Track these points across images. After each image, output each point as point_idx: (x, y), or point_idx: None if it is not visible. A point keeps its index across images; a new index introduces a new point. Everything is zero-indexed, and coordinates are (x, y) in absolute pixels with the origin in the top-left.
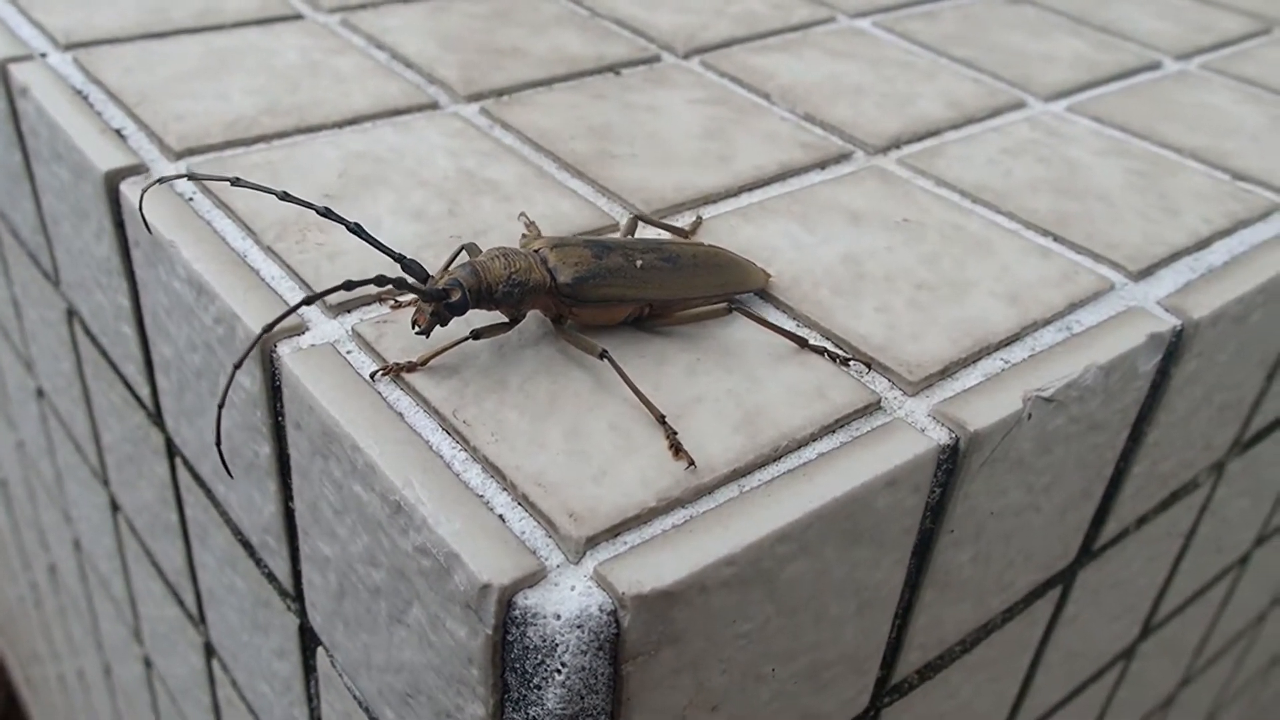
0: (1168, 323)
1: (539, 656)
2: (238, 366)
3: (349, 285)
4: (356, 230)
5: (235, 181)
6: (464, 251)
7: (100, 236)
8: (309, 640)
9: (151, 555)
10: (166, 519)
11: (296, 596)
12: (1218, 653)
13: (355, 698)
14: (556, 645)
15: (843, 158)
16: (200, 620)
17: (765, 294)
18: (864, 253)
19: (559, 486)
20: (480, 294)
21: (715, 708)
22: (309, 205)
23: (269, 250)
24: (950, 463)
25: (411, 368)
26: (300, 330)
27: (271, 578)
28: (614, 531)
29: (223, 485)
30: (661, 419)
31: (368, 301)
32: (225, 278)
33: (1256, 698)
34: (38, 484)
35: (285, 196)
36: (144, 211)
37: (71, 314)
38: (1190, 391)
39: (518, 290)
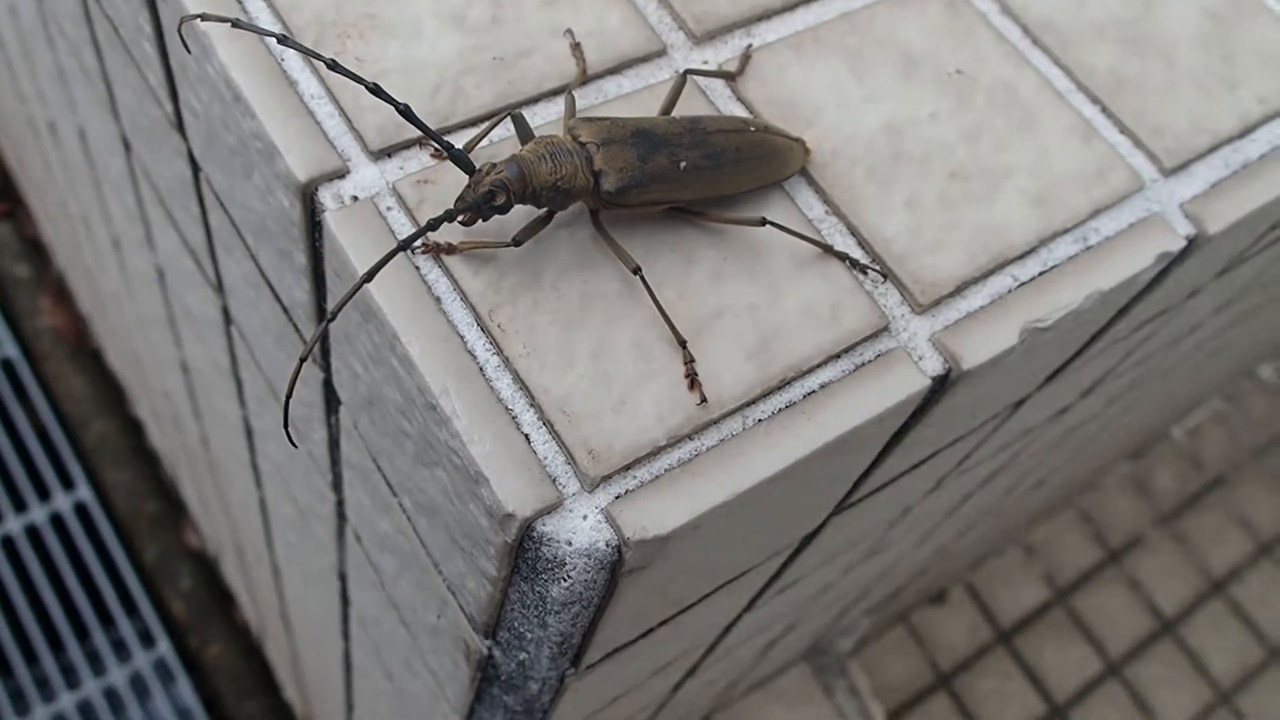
0: (1180, 239)
1: (549, 565)
2: (303, 360)
3: (431, 225)
4: (405, 112)
5: (235, 23)
6: (510, 121)
7: None
8: (332, 398)
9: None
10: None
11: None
12: None
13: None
14: (565, 562)
15: None
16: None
17: (803, 170)
18: (906, 121)
19: (581, 417)
20: (524, 196)
21: (669, 593)
22: (315, 55)
23: (307, 61)
24: (937, 391)
25: (451, 249)
26: (342, 174)
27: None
28: (626, 468)
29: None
30: (682, 343)
31: (408, 144)
32: (262, 95)
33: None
34: None
35: (284, 40)
36: None
37: None
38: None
39: (561, 195)
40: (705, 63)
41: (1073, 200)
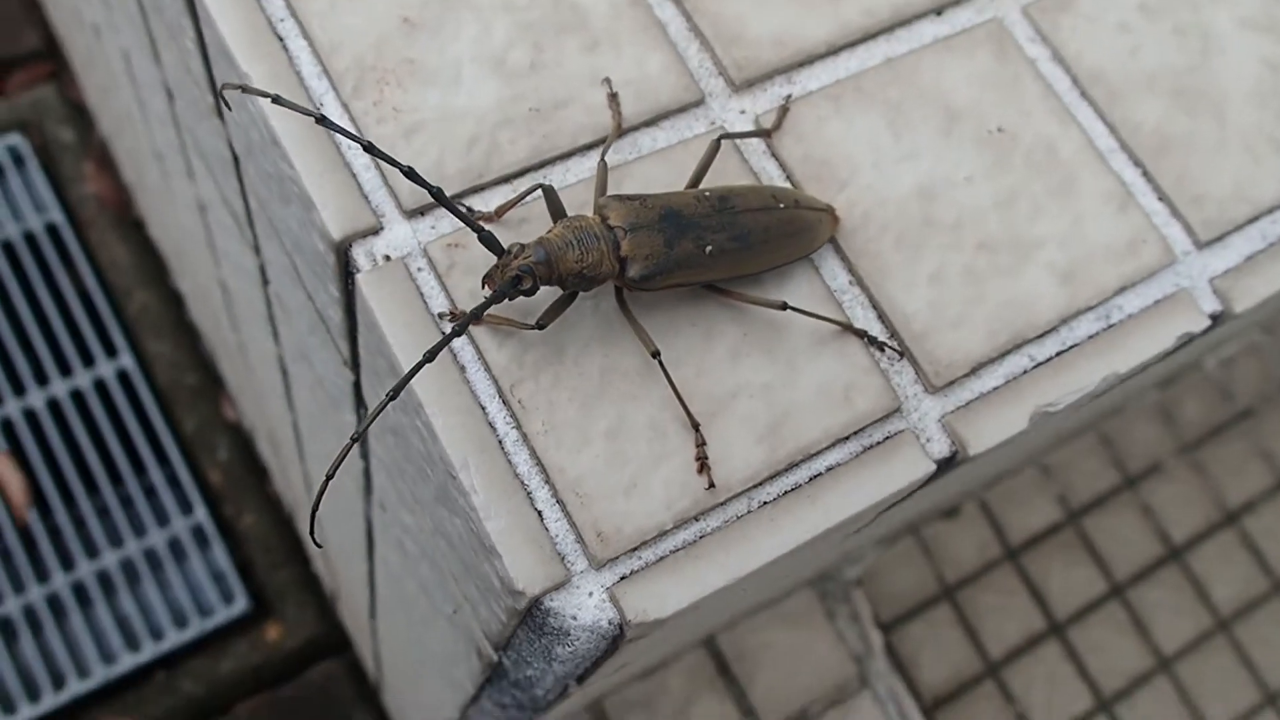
0: (1204, 319)
1: (555, 631)
2: (356, 439)
3: (475, 317)
4: (438, 195)
5: (275, 99)
6: (540, 195)
7: None
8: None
9: None
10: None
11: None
12: None
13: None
14: (570, 633)
15: None
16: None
17: (831, 236)
18: (942, 183)
19: (594, 499)
20: (550, 280)
21: (669, 639)
22: (352, 137)
23: (346, 107)
24: (940, 472)
25: (478, 319)
26: (376, 230)
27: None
28: (633, 550)
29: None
30: (695, 426)
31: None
32: (301, 146)
33: None
34: None
35: (322, 121)
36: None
37: None
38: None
39: (586, 280)
40: (743, 112)
41: (1101, 275)
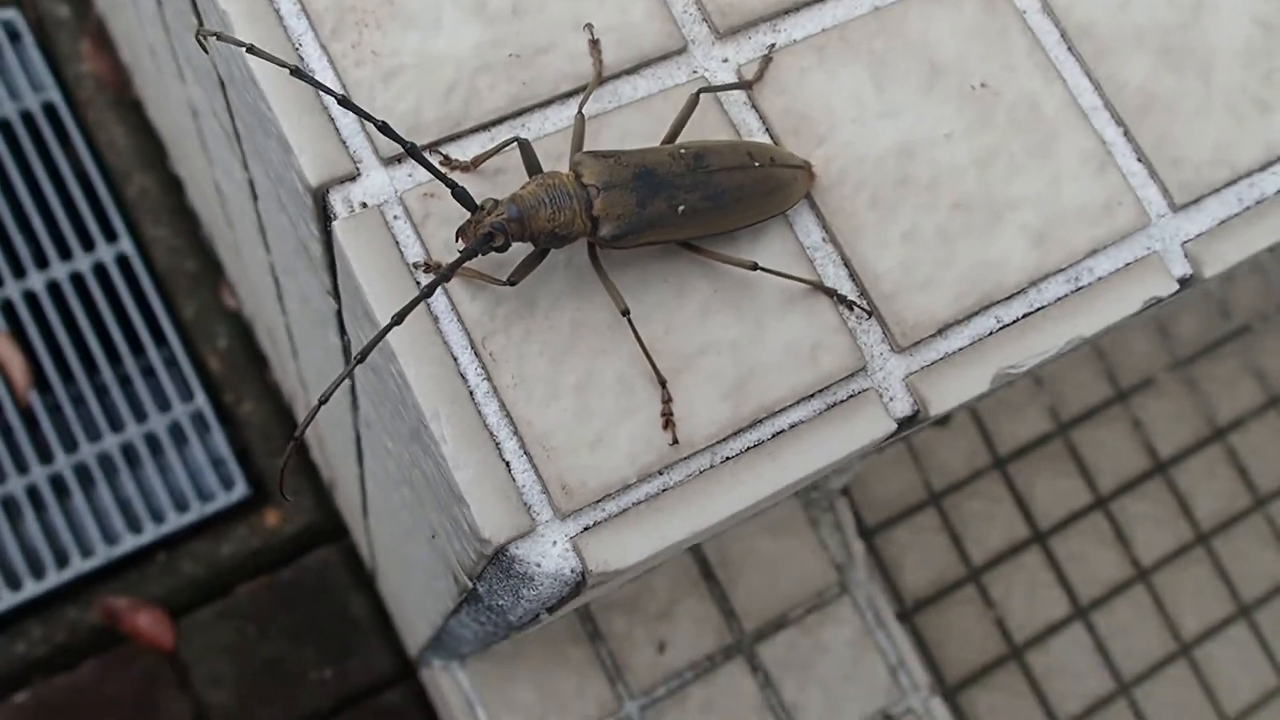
0: (1173, 283)
1: (520, 576)
2: (324, 402)
3: (445, 276)
4: (412, 151)
5: (250, 49)
6: (515, 147)
7: None
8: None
9: None
10: None
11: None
12: None
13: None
14: (533, 579)
15: None
16: None
17: (807, 193)
18: (921, 141)
19: (560, 452)
20: (522, 237)
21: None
22: (327, 90)
23: (324, 49)
24: (901, 430)
25: (448, 278)
26: (353, 177)
27: None
28: (597, 502)
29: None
30: (662, 383)
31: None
32: (280, 90)
33: None
34: None
35: (295, 72)
36: None
37: None
38: None
39: (558, 239)
40: (726, 60)
41: (1073, 238)
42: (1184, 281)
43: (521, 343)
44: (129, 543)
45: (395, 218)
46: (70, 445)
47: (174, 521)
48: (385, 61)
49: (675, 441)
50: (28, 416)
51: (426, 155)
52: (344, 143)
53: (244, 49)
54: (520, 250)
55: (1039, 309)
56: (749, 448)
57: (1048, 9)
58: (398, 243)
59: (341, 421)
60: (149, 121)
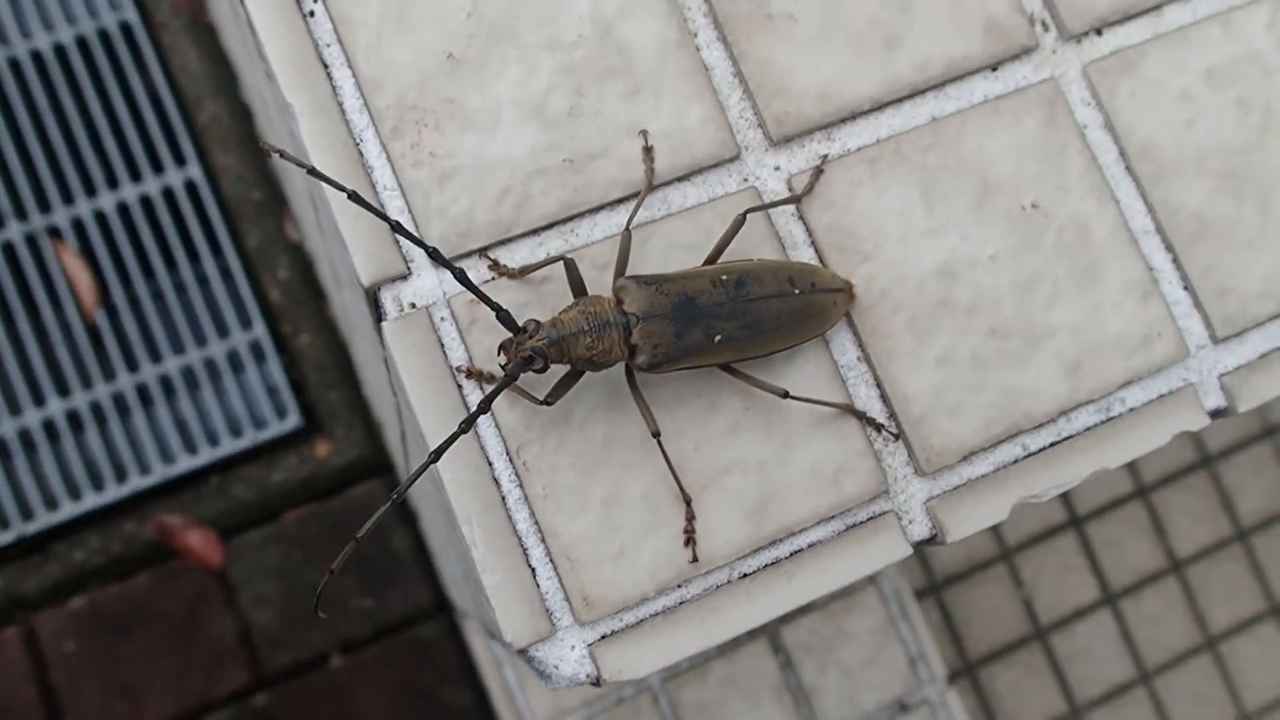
0: (1204, 418)
1: (539, 669)
2: (357, 540)
3: (482, 409)
4: (460, 278)
5: (310, 171)
6: (563, 266)
7: None
8: None
9: None
10: None
11: None
12: None
13: None
14: (550, 676)
15: (1024, 53)
16: None
17: (847, 312)
18: (964, 261)
19: (584, 565)
20: (561, 361)
21: None
22: (380, 215)
23: (384, 148)
24: (916, 552)
25: (492, 379)
26: (404, 276)
27: None
28: (615, 614)
29: None
30: (687, 501)
31: (468, 254)
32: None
33: None
34: None
35: (312, 172)
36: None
37: None
38: None
39: (595, 365)
40: (778, 169)
41: (1109, 369)
42: (1215, 414)
43: (555, 453)
44: (184, 463)
45: (442, 319)
46: (133, 365)
47: (228, 446)
48: (442, 163)
49: (695, 560)
50: (94, 334)
51: (477, 259)
52: (397, 242)
53: (305, 170)
54: (558, 366)
55: (1067, 438)
56: (766, 565)
57: (1109, 125)
58: (443, 345)
59: (391, 420)
60: (222, 47)
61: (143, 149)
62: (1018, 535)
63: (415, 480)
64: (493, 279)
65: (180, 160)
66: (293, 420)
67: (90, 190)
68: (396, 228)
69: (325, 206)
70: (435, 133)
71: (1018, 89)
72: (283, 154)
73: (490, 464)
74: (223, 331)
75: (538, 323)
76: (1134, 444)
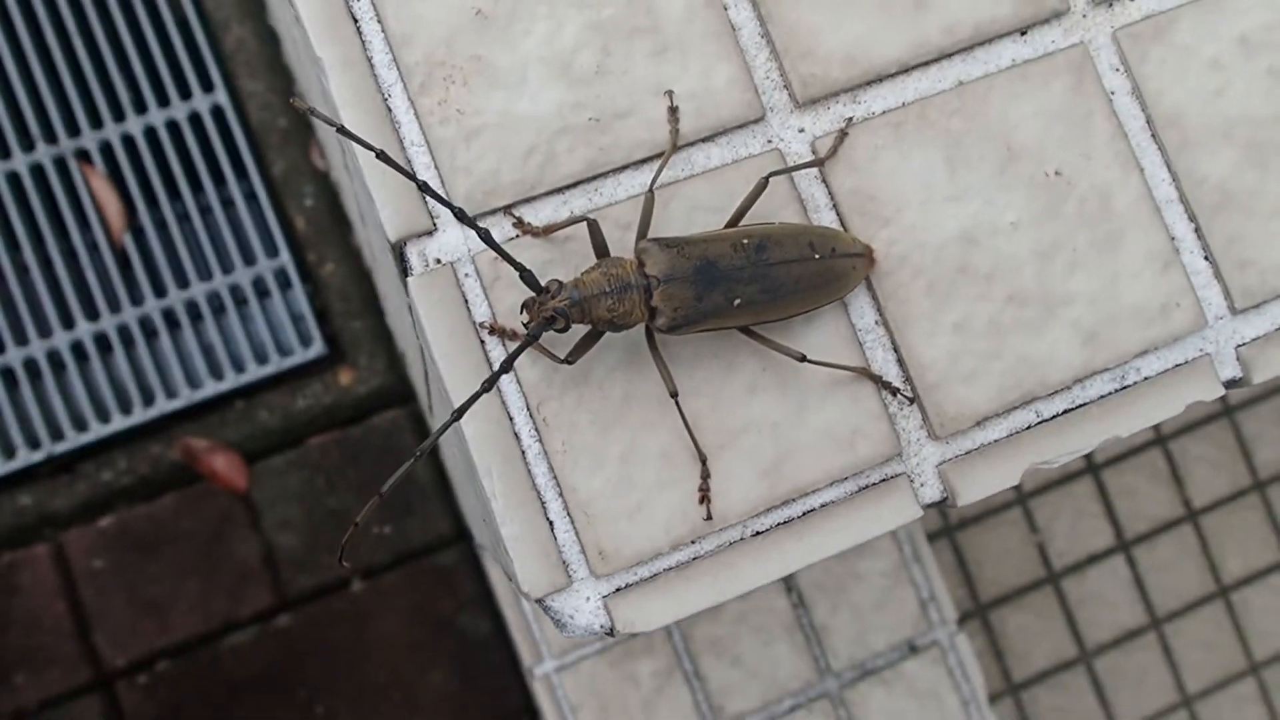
0: (1218, 387)
1: (554, 619)
2: (381, 495)
3: (505, 369)
4: (485, 238)
5: (340, 129)
6: (586, 226)
7: None
8: None
9: None
10: None
11: None
12: None
13: None
14: (565, 625)
15: (1055, 17)
16: None
17: (866, 277)
18: (985, 229)
19: (600, 519)
20: (582, 321)
21: None
22: (407, 174)
23: (412, 104)
24: (925, 512)
25: (515, 335)
26: (429, 232)
27: None
28: (630, 567)
29: None
30: (703, 459)
31: (492, 212)
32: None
33: None
34: None
35: (342, 130)
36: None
37: None
38: None
39: (615, 326)
40: (802, 130)
41: (1125, 338)
42: (1230, 384)
43: (574, 410)
44: (210, 388)
45: (466, 275)
46: (160, 290)
47: (253, 372)
48: (469, 120)
49: (709, 517)
50: (122, 258)
51: (501, 216)
52: (424, 198)
53: (335, 129)
54: (579, 326)
55: (1080, 406)
56: (778, 524)
57: (1137, 92)
58: (467, 301)
59: (413, 360)
60: None
61: (170, 74)
62: (1034, 481)
63: (439, 437)
64: (516, 236)
65: (207, 85)
66: (317, 348)
67: (118, 115)
68: (424, 188)
69: (353, 157)
70: (463, 89)
71: (1046, 54)
72: (314, 112)
73: (511, 419)
74: (249, 259)
75: (560, 283)
76: (1147, 412)
